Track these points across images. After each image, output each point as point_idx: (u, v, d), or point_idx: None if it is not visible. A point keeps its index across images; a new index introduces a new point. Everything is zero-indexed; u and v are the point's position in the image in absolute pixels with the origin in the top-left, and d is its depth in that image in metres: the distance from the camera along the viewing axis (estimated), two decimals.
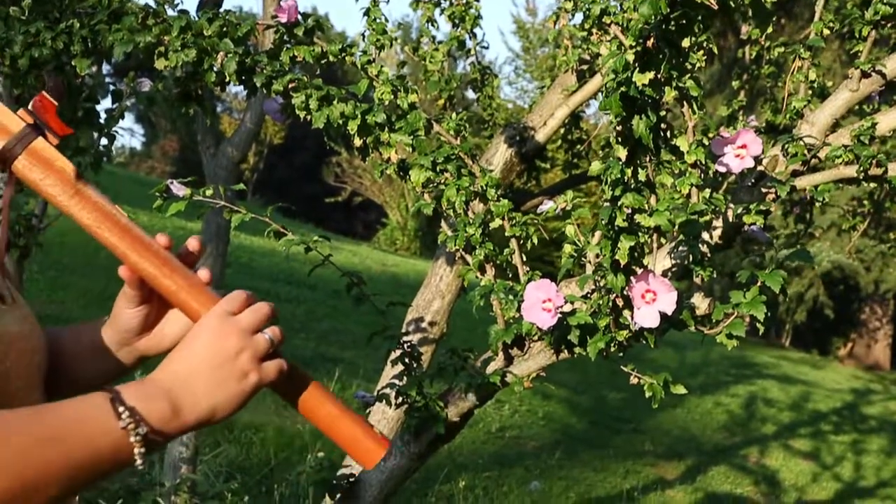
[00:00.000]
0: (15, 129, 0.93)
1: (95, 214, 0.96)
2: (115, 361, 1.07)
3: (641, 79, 1.13)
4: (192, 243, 1.04)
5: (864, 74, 1.86)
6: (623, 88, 1.14)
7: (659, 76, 1.14)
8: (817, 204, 1.92)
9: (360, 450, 1.01)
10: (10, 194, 0.96)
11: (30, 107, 0.95)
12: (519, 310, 1.62)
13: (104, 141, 2.74)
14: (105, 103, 2.71)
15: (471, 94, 3.32)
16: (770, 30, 2.62)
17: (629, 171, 1.29)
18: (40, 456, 0.79)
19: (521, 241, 1.79)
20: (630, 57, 1.12)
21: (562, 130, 2.99)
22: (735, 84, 3.15)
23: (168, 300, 1.00)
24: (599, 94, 2.60)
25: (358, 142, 1.79)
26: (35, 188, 0.95)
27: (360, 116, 1.77)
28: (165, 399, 0.90)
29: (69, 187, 0.95)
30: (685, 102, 1.48)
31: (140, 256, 0.98)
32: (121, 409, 0.86)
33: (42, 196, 0.96)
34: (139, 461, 0.86)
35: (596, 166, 1.34)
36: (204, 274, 1.01)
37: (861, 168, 1.78)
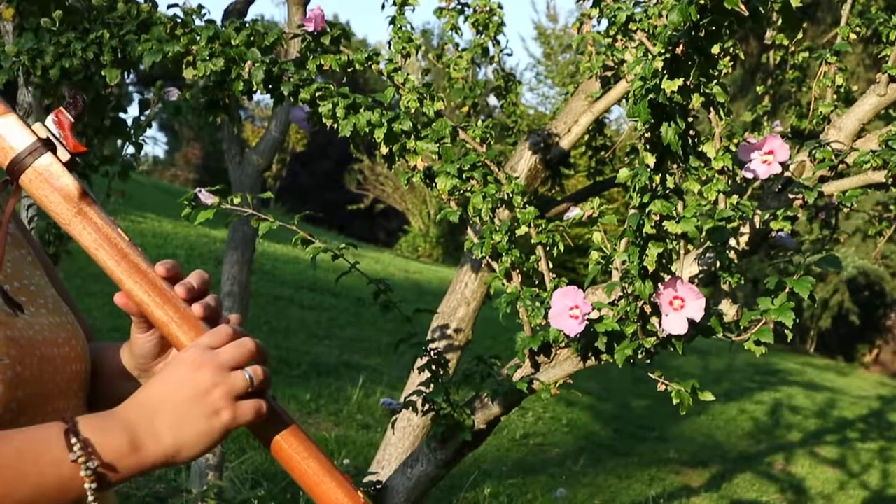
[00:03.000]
0: (27, 143, 0.93)
1: (95, 236, 0.95)
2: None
3: (670, 86, 1.13)
4: (196, 279, 0.99)
5: (892, 79, 1.85)
6: (651, 95, 1.14)
7: (688, 83, 1.14)
8: (843, 210, 1.91)
9: None
10: (13, 205, 0.96)
11: (46, 121, 0.95)
12: (546, 317, 1.62)
13: (131, 150, 2.76)
14: (130, 112, 2.74)
15: (493, 101, 3.32)
16: (800, 35, 2.61)
17: (657, 178, 1.29)
18: None
19: (548, 249, 1.79)
20: (658, 64, 1.12)
21: (586, 137, 2.99)
22: (759, 89, 3.14)
23: (160, 331, 0.97)
24: (624, 100, 2.60)
25: (384, 150, 1.80)
26: (40, 203, 0.94)
27: (386, 124, 1.77)
28: (125, 432, 0.86)
29: (72, 206, 0.94)
30: (712, 108, 1.48)
31: (134, 283, 0.95)
32: (73, 440, 0.83)
33: (46, 212, 0.95)
34: (91, 497, 0.83)
35: (624, 173, 1.34)
36: (197, 308, 0.97)
37: (890, 173, 1.77)
